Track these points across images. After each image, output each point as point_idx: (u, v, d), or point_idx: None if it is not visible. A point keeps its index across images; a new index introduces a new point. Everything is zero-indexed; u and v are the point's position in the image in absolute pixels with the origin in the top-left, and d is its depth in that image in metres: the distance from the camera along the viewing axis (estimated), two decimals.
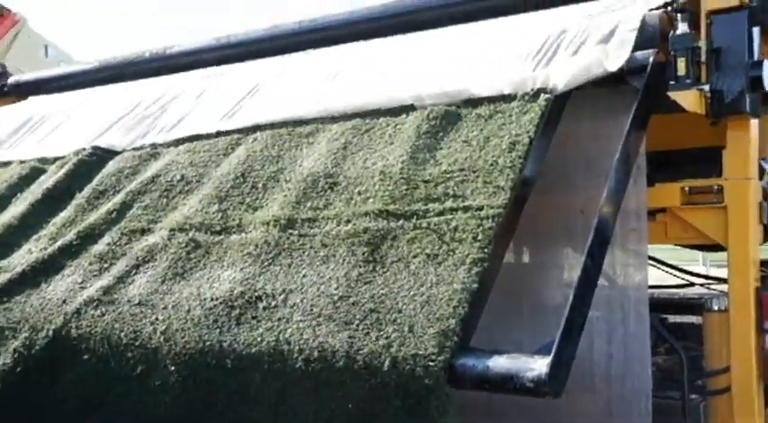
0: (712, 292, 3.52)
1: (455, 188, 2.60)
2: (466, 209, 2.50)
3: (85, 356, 2.72)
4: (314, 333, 2.33)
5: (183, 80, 4.31)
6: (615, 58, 2.74)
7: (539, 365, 2.04)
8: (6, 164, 4.11)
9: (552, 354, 2.05)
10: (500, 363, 2.10)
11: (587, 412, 2.66)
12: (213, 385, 2.45)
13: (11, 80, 5.58)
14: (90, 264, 3.09)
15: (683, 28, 2.79)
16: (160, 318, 2.67)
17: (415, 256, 2.43)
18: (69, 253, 3.20)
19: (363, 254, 2.52)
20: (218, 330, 2.51)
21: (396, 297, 2.34)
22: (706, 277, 3.90)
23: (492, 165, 2.60)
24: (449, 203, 2.56)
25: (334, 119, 3.21)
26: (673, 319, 3.41)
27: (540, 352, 2.11)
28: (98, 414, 2.73)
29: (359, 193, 2.78)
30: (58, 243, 3.28)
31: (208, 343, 2.50)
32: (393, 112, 3.06)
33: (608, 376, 2.72)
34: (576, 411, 2.55)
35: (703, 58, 2.83)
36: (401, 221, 2.58)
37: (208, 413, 2.50)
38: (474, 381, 2.11)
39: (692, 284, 3.86)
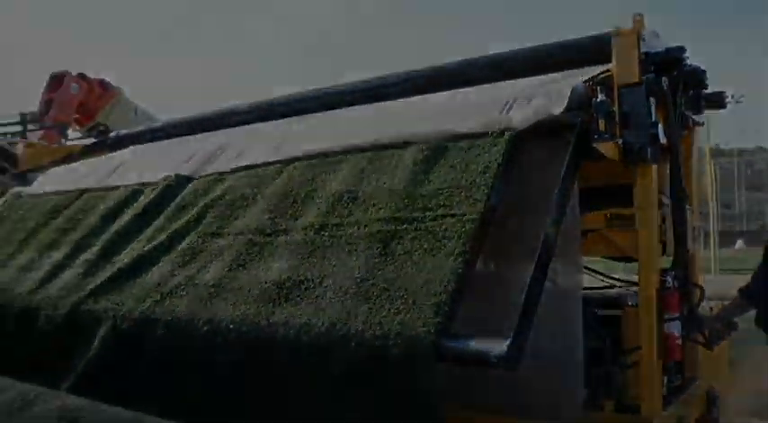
0: (629, 291, 3.75)
1: (444, 201, 2.79)
2: (452, 215, 2.71)
3: (172, 318, 3.02)
4: (342, 305, 2.60)
5: (237, 132, 4.66)
6: (557, 105, 2.91)
7: (501, 345, 2.26)
8: (116, 188, 4.46)
9: (510, 337, 2.28)
10: (472, 343, 2.32)
11: (536, 380, 2.75)
12: (266, 344, 2.69)
13: (111, 135, 6.35)
14: (177, 257, 3.41)
15: (602, 96, 2.97)
16: (229, 296, 2.96)
17: (416, 250, 2.67)
18: (162, 250, 3.52)
19: (378, 249, 2.77)
20: (270, 304, 2.80)
21: (403, 279, 2.57)
22: (624, 281, 4.07)
23: (471, 183, 2.79)
24: (440, 211, 2.76)
25: (353, 152, 3.42)
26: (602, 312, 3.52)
27: (501, 336, 2.30)
28: (175, 368, 2.98)
29: (373, 205, 2.98)
30: (154, 243, 3.60)
31: (264, 313, 2.77)
32: (397, 146, 3.26)
33: (552, 353, 2.84)
34: (528, 379, 2.64)
35: (617, 119, 3.04)
36: (405, 225, 2.79)
37: (260, 365, 2.74)
38: (454, 357, 2.33)
39: (614, 286, 4.07)
